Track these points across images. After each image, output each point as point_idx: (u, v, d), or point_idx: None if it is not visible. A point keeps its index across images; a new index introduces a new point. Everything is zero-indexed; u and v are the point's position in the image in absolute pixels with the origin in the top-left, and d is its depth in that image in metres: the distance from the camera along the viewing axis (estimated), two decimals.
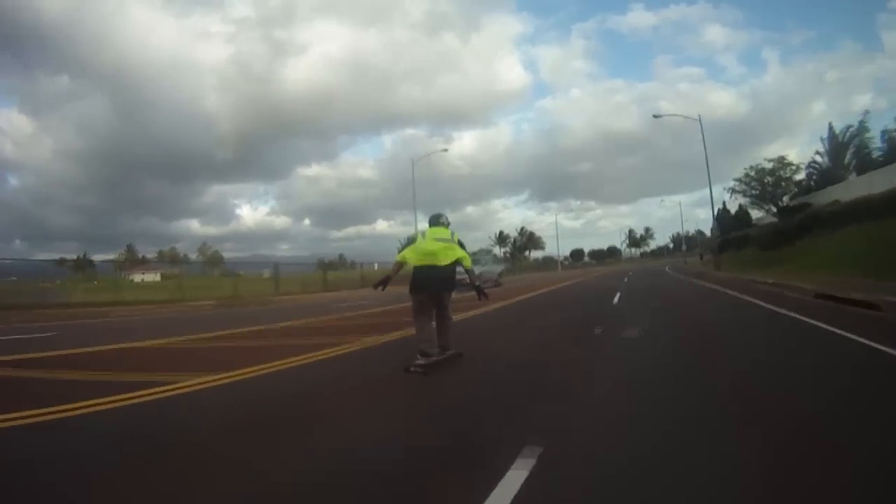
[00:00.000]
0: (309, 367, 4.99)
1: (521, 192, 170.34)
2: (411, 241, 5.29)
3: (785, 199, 29.39)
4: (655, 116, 28.66)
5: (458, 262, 4.70)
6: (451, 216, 5.13)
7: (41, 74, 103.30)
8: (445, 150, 38.28)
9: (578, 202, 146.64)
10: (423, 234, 4.92)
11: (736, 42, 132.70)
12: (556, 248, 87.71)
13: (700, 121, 26.16)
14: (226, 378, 4.43)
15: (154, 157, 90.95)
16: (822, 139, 28.77)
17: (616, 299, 11.88)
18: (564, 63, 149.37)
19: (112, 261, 48.09)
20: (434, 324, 4.75)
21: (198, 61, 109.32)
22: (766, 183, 29.23)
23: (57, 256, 45.89)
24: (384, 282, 5.02)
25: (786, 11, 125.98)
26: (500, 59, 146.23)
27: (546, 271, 68.89)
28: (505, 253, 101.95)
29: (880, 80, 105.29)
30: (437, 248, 4.64)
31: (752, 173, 29.89)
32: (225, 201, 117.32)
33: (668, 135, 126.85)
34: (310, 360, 5.30)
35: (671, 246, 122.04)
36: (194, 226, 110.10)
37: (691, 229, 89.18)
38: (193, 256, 65.57)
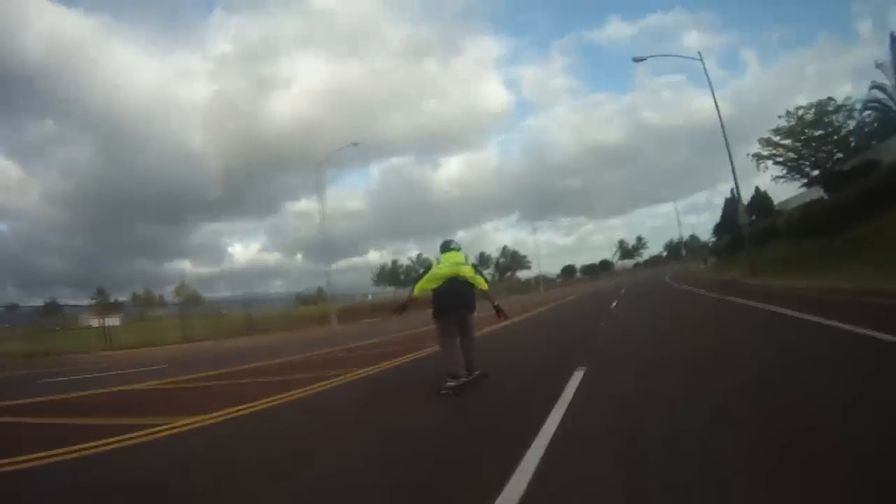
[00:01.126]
0: None
1: (511, 213, 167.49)
2: (425, 271, 5.01)
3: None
4: (636, 60, 20.34)
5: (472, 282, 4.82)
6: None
7: (27, 120, 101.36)
8: (356, 144, 30.36)
9: (568, 219, 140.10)
10: (439, 261, 4.88)
11: (715, 45, 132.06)
12: (539, 266, 79.34)
13: (701, 59, 18.06)
14: None
15: (143, 197, 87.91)
16: (877, 65, 18.81)
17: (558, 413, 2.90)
18: (546, 80, 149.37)
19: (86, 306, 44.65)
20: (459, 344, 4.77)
21: (182, 99, 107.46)
22: (809, 138, 20.16)
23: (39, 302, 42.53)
24: (402, 307, 5.07)
25: (762, 10, 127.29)
26: (482, 81, 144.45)
27: (527, 293, 59.80)
28: (492, 276, 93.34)
29: (858, 70, 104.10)
30: (454, 271, 4.72)
31: (789, 122, 20.72)
32: (216, 240, 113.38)
33: (653, 144, 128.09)
34: None
35: (665, 254, 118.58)
36: (186, 266, 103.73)
37: (685, 235, 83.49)
38: (170, 298, 62.08)
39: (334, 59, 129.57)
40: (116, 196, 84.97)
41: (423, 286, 4.72)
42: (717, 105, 17.69)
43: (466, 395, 4.44)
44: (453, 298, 4.68)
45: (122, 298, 57.59)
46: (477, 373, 4.83)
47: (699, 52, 18.57)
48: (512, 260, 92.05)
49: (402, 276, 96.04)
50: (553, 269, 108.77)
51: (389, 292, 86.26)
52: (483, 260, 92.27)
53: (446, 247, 4.97)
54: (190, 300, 50.45)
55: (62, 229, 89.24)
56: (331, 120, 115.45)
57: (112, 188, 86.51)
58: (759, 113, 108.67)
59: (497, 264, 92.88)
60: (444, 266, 4.74)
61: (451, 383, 4.49)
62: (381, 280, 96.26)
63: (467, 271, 4.76)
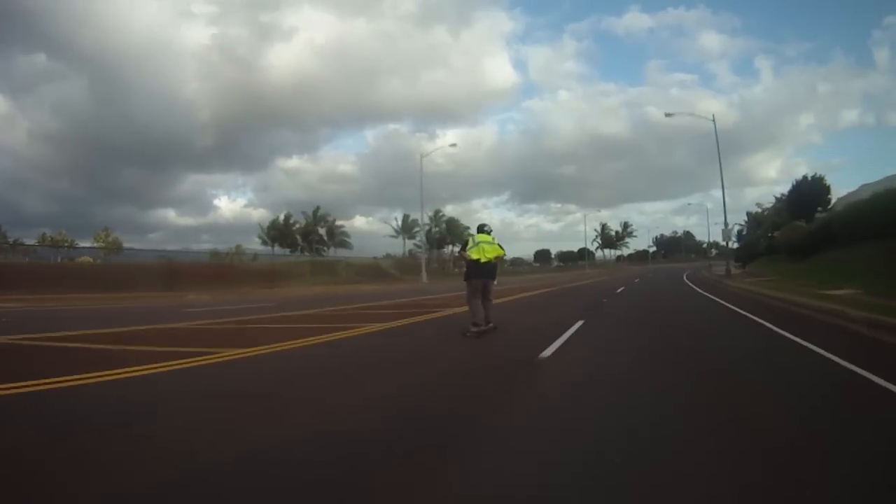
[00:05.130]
0: None
1: (502, 193, 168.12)
2: (466, 243, 6.86)
3: None
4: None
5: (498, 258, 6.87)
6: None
7: (17, 52, 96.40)
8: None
9: (559, 205, 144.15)
10: (474, 238, 6.71)
11: (731, 49, 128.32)
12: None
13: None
14: None
15: (131, 142, 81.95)
16: None
17: None
18: (555, 64, 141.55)
19: None
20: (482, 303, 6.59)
21: (179, 43, 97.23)
22: None
23: None
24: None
25: (784, 20, 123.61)
26: (489, 56, 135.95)
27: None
28: (428, 248, 67.33)
29: (869, 97, 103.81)
30: (487, 249, 6.62)
31: None
32: (203, 191, 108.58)
33: (654, 141, 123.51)
34: None
35: (653, 249, 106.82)
36: (171, 216, 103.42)
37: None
38: (88, 243, 53.56)
39: (341, 14, 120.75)
40: (103, 138, 79.08)
41: (474, 255, 6.57)
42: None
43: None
44: (480, 269, 6.53)
45: (29, 241, 49.34)
46: (491, 325, 6.59)
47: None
48: (447, 231, 65.64)
49: (298, 237, 69.98)
50: (529, 251, 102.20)
51: (280, 255, 62.51)
52: (407, 227, 65.92)
53: (481, 229, 6.90)
54: (111, 246, 47.26)
55: (46, 168, 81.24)
56: (330, 78, 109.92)
57: (100, 130, 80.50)
58: (764, 124, 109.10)
59: (428, 234, 66.37)
60: (482, 246, 6.59)
61: (474, 329, 6.27)
62: (268, 238, 69.67)
63: (491, 251, 6.64)
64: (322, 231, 68.70)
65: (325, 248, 68.65)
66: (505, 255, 7.03)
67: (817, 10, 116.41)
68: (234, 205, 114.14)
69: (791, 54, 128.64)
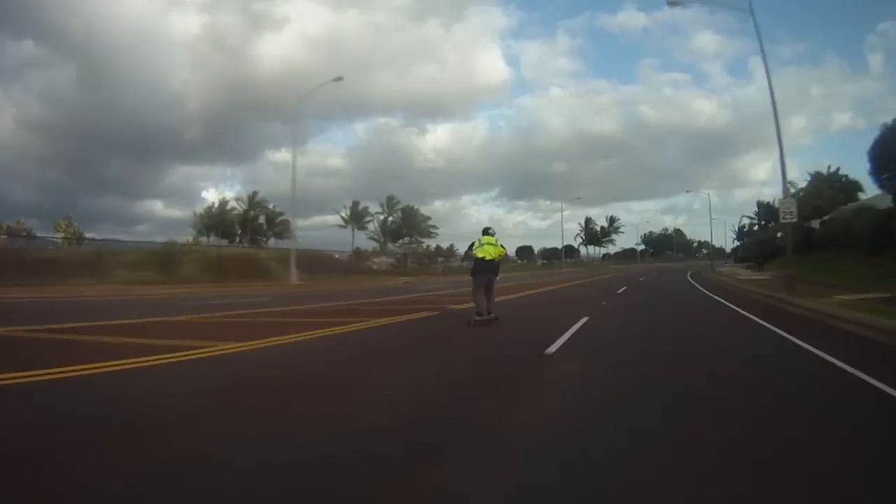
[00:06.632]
0: None
1: (491, 190, 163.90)
2: (473, 244, 8.04)
3: None
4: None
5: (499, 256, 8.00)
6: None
7: (4, 38, 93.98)
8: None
9: (548, 202, 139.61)
10: (480, 240, 7.77)
11: (725, 49, 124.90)
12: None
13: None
14: None
15: (119, 132, 77.34)
16: None
17: None
18: (548, 60, 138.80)
19: None
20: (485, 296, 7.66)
21: (169, 32, 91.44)
22: None
23: None
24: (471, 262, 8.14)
25: (779, 22, 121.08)
26: (482, 51, 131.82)
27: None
28: (381, 242, 58.12)
29: (861, 101, 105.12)
30: (490, 249, 7.71)
31: None
32: (191, 183, 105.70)
33: (645, 140, 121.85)
34: None
35: (641, 248, 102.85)
36: (158, 207, 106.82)
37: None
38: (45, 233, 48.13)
39: (333, 6, 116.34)
40: (90, 127, 75.06)
41: (479, 252, 7.67)
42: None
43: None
44: (485, 265, 7.59)
45: None
46: (493, 315, 7.51)
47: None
48: (403, 221, 56.41)
49: (236, 225, 60.51)
50: (512, 248, 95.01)
51: (215, 246, 53.28)
52: (357, 215, 56.61)
53: (485, 231, 7.81)
54: (72, 237, 43.23)
55: (33, 157, 77.78)
56: (321, 70, 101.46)
57: (87, 119, 76.24)
58: (756, 126, 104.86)
59: (384, 224, 57.15)
60: (486, 246, 7.64)
61: (478, 318, 7.25)
62: (203, 227, 59.91)
63: (494, 251, 7.70)
64: (262, 220, 59.46)
65: (265, 239, 59.46)
66: (506, 253, 8.26)
67: (813, 13, 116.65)
68: (222, 197, 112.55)
69: (785, 55, 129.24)
